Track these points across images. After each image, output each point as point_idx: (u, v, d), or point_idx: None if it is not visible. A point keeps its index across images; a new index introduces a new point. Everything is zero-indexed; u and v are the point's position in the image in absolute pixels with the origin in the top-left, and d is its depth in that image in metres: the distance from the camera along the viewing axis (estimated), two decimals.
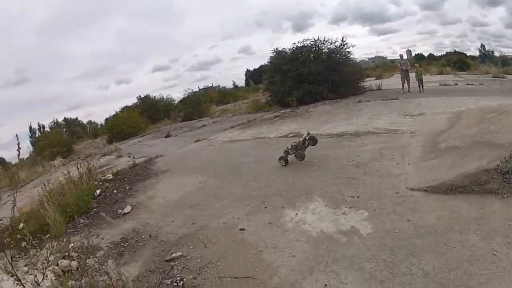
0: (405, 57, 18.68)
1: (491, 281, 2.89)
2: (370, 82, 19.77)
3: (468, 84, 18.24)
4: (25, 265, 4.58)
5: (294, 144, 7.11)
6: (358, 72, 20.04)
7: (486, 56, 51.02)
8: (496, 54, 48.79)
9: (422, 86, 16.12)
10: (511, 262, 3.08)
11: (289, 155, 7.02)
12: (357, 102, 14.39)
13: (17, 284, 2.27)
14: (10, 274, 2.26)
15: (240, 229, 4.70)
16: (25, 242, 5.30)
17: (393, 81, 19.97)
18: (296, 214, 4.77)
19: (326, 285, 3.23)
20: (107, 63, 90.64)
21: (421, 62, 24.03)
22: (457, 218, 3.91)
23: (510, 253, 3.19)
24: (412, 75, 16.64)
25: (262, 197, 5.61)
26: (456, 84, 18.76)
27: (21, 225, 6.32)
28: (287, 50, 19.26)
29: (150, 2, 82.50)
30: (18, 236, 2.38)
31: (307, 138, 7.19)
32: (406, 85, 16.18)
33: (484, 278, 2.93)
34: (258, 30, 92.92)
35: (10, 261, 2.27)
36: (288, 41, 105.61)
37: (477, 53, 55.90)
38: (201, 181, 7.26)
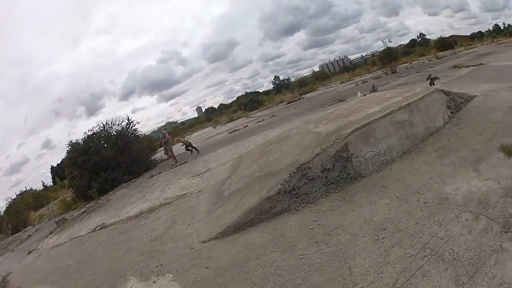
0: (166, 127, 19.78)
1: (309, 278, 3.28)
2: (160, 153, 20.29)
3: (258, 122, 19.43)
4: None
5: None
6: (148, 146, 20.76)
7: (281, 86, 55.13)
8: (293, 79, 54.79)
9: (195, 148, 17.30)
10: (327, 254, 3.54)
11: None
12: (150, 177, 14.94)
13: None
14: None
15: None
16: None
17: (180, 146, 20.48)
18: None
19: None
20: None
21: (212, 115, 25.73)
22: (251, 248, 4.46)
23: (322, 248, 3.69)
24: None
25: None
26: (246, 126, 19.86)
27: None
28: (80, 141, 18.68)
29: None
30: None
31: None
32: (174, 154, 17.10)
33: (300, 279, 3.32)
34: (56, 120, 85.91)
35: None
36: (84, 127, 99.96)
37: (271, 86, 61.11)
38: None
